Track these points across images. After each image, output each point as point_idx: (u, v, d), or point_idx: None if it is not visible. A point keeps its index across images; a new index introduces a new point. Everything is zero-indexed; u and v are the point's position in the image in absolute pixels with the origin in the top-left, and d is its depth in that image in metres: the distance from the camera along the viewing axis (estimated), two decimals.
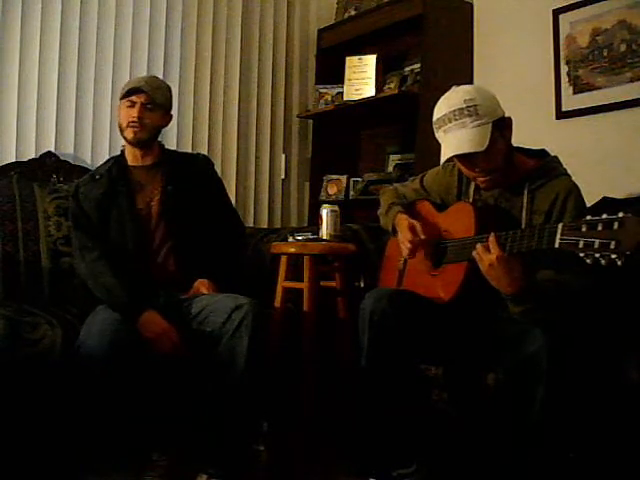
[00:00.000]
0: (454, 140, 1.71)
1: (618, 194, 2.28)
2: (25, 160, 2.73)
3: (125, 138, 2.14)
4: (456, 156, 1.74)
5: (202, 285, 2.08)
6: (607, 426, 1.77)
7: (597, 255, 1.35)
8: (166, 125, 2.22)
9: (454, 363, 1.96)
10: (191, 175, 2.22)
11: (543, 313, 1.63)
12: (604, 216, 1.37)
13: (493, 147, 1.70)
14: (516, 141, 1.84)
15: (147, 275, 2.07)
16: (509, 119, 1.79)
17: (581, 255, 1.38)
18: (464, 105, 1.70)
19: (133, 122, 2.08)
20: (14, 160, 2.72)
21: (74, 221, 2.17)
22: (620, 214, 1.35)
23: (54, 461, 1.89)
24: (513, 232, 1.60)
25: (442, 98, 1.80)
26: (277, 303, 2.43)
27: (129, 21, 3.07)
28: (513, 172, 1.80)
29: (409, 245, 1.92)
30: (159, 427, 2.01)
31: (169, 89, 2.21)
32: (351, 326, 2.36)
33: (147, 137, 2.13)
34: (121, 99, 2.12)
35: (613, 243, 1.33)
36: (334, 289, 2.47)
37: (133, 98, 2.08)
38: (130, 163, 2.19)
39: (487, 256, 1.59)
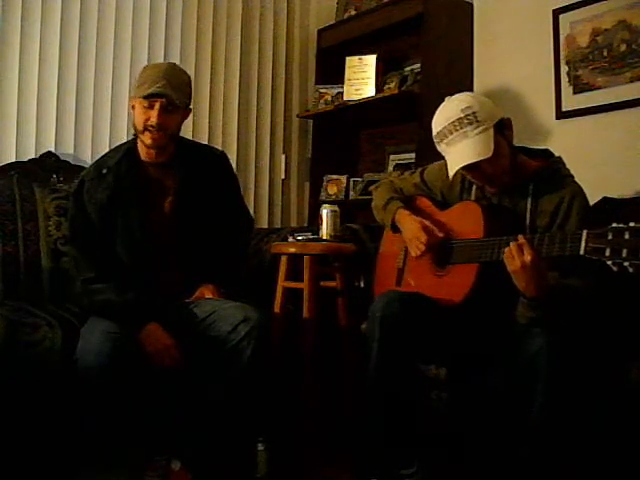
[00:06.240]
0: (459, 151, 1.70)
1: (618, 194, 2.28)
2: (25, 160, 2.72)
3: (142, 141, 1.98)
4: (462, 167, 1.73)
5: (207, 290, 2.04)
6: (608, 426, 1.77)
7: (625, 263, 1.35)
8: (184, 120, 2.05)
9: (459, 364, 1.95)
10: (206, 174, 2.08)
11: (550, 319, 1.61)
12: (631, 224, 1.37)
13: (498, 150, 1.70)
14: (516, 141, 1.84)
15: (151, 284, 1.99)
16: (508, 120, 1.79)
17: (609, 263, 1.38)
18: (462, 115, 1.69)
19: (152, 127, 1.92)
20: (14, 160, 2.72)
21: (71, 231, 2.06)
22: None
23: (54, 461, 1.89)
24: (540, 235, 1.58)
25: (438, 111, 1.78)
26: (277, 303, 2.43)
27: (129, 22, 3.07)
28: (517, 172, 1.79)
29: (422, 248, 1.89)
30: (158, 429, 2.01)
31: (189, 83, 2.01)
32: (351, 326, 2.37)
33: (167, 142, 1.98)
34: (138, 97, 1.93)
35: None
36: (334, 289, 2.47)
37: (152, 100, 1.90)
38: (142, 158, 2.03)
39: (521, 257, 1.55)
